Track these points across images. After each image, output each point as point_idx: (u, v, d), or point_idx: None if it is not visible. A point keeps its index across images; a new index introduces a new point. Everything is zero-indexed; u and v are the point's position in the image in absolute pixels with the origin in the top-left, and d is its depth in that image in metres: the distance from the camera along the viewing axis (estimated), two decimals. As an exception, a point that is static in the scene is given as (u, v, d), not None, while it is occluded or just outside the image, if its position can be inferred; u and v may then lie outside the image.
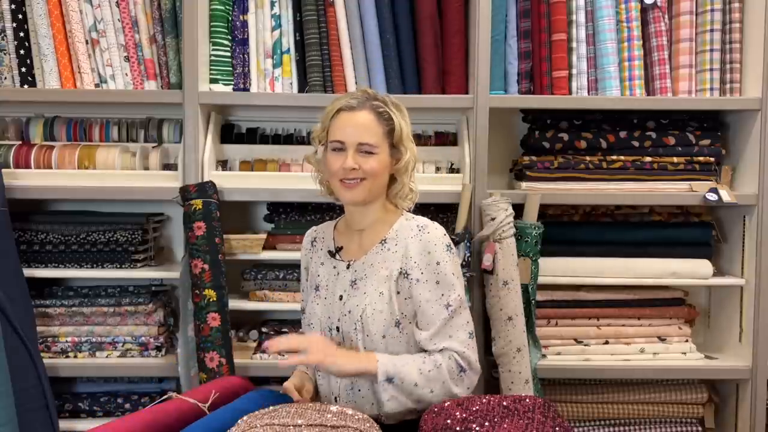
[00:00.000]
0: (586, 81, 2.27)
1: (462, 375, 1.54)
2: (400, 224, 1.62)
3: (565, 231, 2.32)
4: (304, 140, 2.44)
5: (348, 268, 1.63)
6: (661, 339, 2.31)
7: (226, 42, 2.24)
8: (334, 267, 1.66)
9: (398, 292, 1.56)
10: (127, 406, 2.26)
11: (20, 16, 2.18)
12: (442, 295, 1.55)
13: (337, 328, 1.60)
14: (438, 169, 2.33)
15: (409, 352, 1.57)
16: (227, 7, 2.24)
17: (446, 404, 1.47)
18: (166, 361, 2.22)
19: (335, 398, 1.62)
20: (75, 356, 2.23)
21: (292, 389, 1.62)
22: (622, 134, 2.31)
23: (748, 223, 2.30)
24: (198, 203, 2.11)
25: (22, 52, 2.20)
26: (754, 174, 2.26)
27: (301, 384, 1.66)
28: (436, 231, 1.58)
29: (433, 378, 1.51)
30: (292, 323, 2.32)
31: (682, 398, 2.34)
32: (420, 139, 2.40)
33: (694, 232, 2.35)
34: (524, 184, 2.27)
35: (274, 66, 2.25)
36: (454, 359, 1.54)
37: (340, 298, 1.61)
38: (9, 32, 2.18)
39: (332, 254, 1.68)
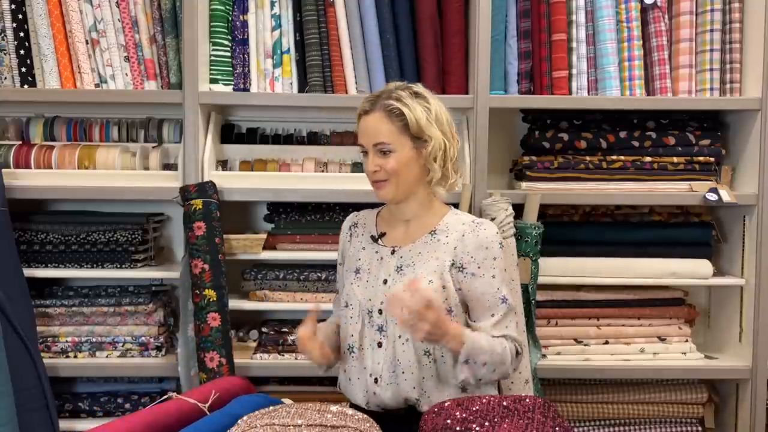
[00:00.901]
0: (586, 81, 2.26)
1: (517, 358, 1.64)
2: (450, 218, 1.68)
3: (565, 231, 2.32)
4: (304, 140, 2.44)
5: (393, 254, 1.66)
6: (661, 339, 2.31)
7: (226, 42, 2.24)
8: (377, 252, 1.69)
9: (450, 283, 1.61)
10: (127, 406, 2.26)
11: (20, 16, 2.18)
12: (499, 288, 1.61)
13: (380, 311, 1.62)
14: (438, 169, 2.33)
15: None
16: (227, 7, 2.24)
17: (446, 404, 1.47)
18: (166, 361, 2.22)
19: (375, 379, 1.62)
20: (75, 356, 2.23)
21: (305, 337, 1.65)
22: (622, 134, 2.31)
23: (748, 223, 2.30)
24: (198, 203, 2.11)
25: (22, 52, 2.20)
26: (754, 174, 2.26)
27: (313, 331, 1.68)
28: (491, 228, 1.64)
29: (499, 361, 1.58)
30: (292, 323, 2.31)
31: (682, 398, 2.34)
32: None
33: (694, 232, 2.35)
34: (524, 184, 2.27)
35: (274, 66, 2.25)
36: (514, 345, 1.62)
37: (384, 282, 1.64)
38: (9, 32, 2.18)
39: (375, 239, 1.71)
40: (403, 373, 1.59)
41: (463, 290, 1.62)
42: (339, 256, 1.81)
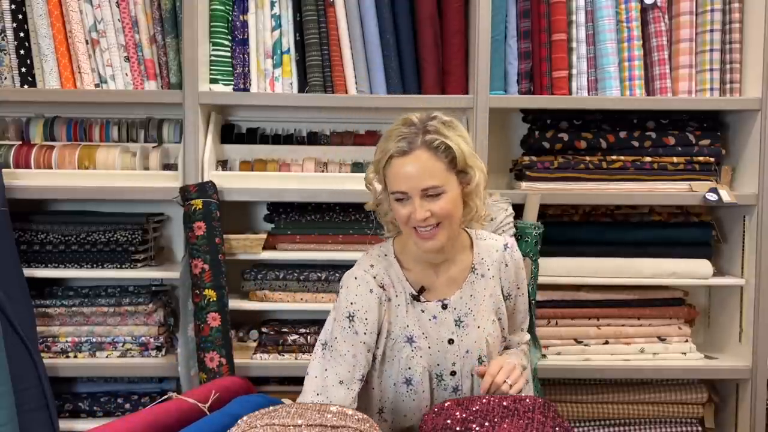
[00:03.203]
0: (586, 81, 2.26)
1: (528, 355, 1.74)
2: (478, 246, 1.58)
3: (565, 231, 2.32)
4: (304, 140, 2.44)
5: (445, 308, 1.53)
6: (661, 339, 2.31)
7: (226, 42, 2.24)
8: (423, 311, 1.53)
9: (504, 314, 1.62)
10: (127, 406, 2.26)
11: (20, 16, 2.18)
12: (527, 302, 1.67)
13: (452, 373, 1.54)
14: (438, 169, 2.33)
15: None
16: (227, 7, 2.24)
17: (446, 404, 1.47)
18: (166, 361, 2.22)
19: None
20: (75, 356, 2.23)
21: None
22: (622, 134, 2.31)
23: (748, 223, 2.30)
24: (198, 203, 2.11)
25: (22, 52, 2.20)
26: (754, 174, 2.26)
27: None
28: (517, 248, 1.63)
29: (522, 362, 1.64)
30: (292, 323, 2.32)
31: (682, 398, 2.34)
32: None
33: (693, 232, 2.35)
34: (524, 184, 2.27)
35: (274, 66, 2.25)
36: (527, 346, 1.74)
37: (450, 341, 1.53)
38: (9, 32, 2.18)
39: (416, 297, 1.53)
40: None
41: (507, 313, 1.62)
42: (361, 325, 1.48)
